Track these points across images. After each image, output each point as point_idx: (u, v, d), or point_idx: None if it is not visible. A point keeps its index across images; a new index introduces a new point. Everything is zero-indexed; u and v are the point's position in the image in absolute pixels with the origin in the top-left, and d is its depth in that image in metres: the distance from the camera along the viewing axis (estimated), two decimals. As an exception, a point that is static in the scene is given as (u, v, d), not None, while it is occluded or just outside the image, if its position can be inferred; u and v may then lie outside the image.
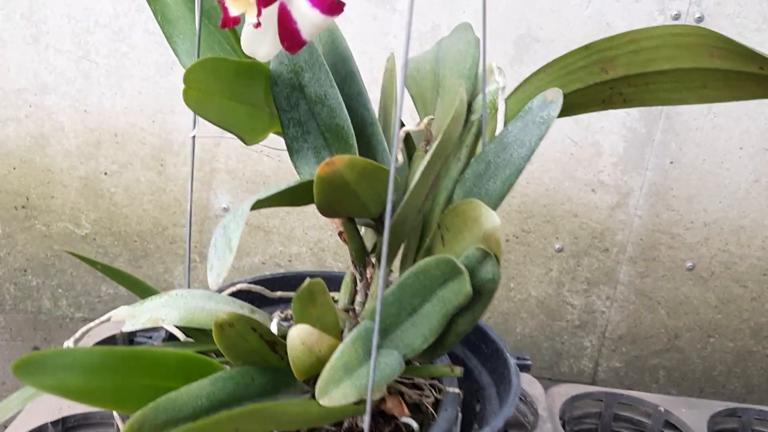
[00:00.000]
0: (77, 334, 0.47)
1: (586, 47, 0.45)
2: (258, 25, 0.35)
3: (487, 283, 0.39)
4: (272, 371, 0.43)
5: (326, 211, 0.42)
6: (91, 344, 0.72)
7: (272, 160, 1.06)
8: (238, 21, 0.36)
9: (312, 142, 0.48)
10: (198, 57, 0.47)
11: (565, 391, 0.90)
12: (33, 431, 0.76)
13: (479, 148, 0.50)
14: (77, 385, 0.36)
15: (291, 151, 0.49)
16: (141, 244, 1.12)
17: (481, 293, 0.40)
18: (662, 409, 0.89)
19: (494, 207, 0.45)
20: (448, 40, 0.54)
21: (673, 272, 1.08)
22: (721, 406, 0.90)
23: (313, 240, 1.10)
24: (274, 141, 1.05)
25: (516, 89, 0.50)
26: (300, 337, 0.39)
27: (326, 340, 0.39)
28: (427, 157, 0.39)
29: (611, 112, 1.00)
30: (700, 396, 1.14)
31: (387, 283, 0.46)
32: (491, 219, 0.39)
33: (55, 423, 0.78)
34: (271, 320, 0.46)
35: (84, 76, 1.03)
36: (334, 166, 0.36)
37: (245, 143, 0.49)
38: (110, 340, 0.93)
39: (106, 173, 1.08)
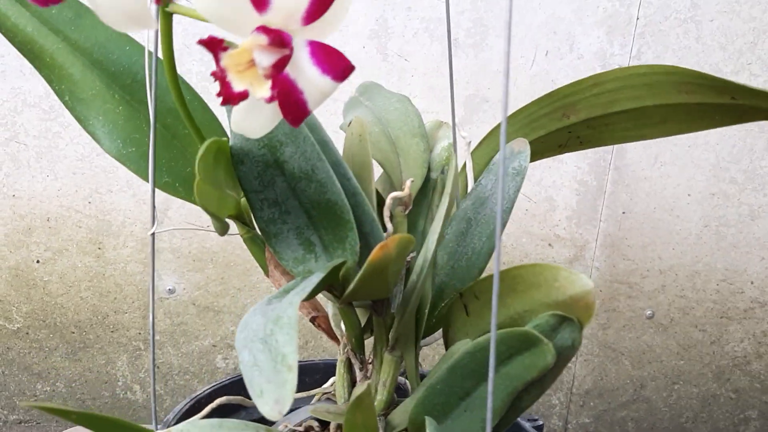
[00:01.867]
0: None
1: (550, 95, 0.45)
2: (272, 99, 0.31)
3: (566, 350, 0.36)
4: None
5: (352, 296, 0.38)
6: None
7: (218, 236, 1.01)
8: (246, 96, 0.31)
9: (293, 222, 0.44)
10: (152, 136, 0.41)
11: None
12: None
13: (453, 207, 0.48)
14: None
15: (268, 235, 0.44)
16: (79, 335, 1.04)
17: (557, 363, 0.37)
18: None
19: (483, 266, 0.43)
20: (376, 100, 0.52)
21: (634, 321, 1.08)
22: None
23: (267, 316, 1.05)
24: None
25: (481, 142, 0.49)
26: None
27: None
28: (437, 223, 0.36)
29: (561, 166, 1.01)
30: (670, 445, 1.13)
31: (395, 370, 0.42)
32: (580, 281, 0.36)
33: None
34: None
35: (12, 159, 0.96)
36: (387, 250, 0.33)
37: (221, 234, 0.45)
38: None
39: (38, 261, 1.00)
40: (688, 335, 1.08)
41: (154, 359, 0.45)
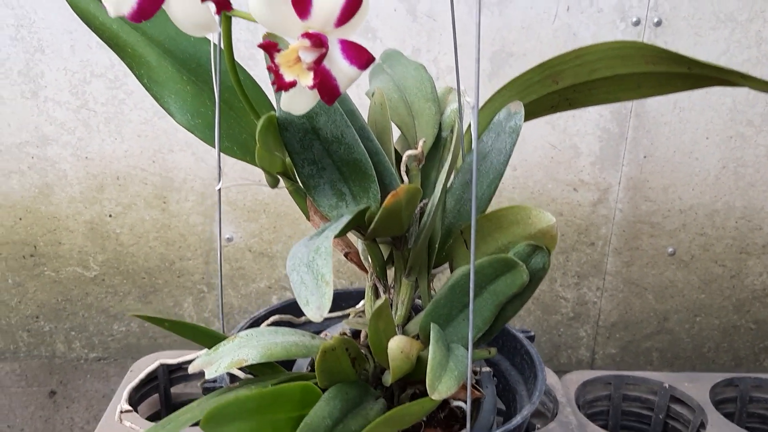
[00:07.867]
0: (124, 395, 0.51)
1: (541, 65, 0.52)
2: (314, 86, 0.40)
3: (538, 272, 0.47)
4: (353, 384, 0.48)
5: (373, 234, 0.48)
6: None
7: (270, 189, 1.12)
8: (294, 84, 0.40)
9: (327, 177, 0.52)
10: (218, 112, 0.51)
11: (577, 378, 0.96)
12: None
13: (459, 160, 0.56)
14: (250, 428, 0.41)
15: (308, 187, 0.52)
16: (149, 280, 1.16)
17: (531, 281, 0.47)
18: (667, 385, 0.95)
19: (484, 208, 0.52)
20: (396, 68, 0.60)
21: (656, 259, 1.15)
22: (719, 377, 0.97)
23: (315, 261, 1.15)
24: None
25: (484, 105, 0.57)
26: (399, 347, 0.45)
27: (415, 345, 0.45)
28: (443, 175, 0.45)
29: (585, 115, 1.07)
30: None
31: (411, 291, 0.52)
32: (546, 217, 0.46)
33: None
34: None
35: (84, 124, 1.07)
36: (398, 197, 0.42)
37: (272, 187, 0.54)
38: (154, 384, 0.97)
39: (110, 215, 1.12)
40: (709, 270, 1.15)
41: (221, 276, 0.56)
